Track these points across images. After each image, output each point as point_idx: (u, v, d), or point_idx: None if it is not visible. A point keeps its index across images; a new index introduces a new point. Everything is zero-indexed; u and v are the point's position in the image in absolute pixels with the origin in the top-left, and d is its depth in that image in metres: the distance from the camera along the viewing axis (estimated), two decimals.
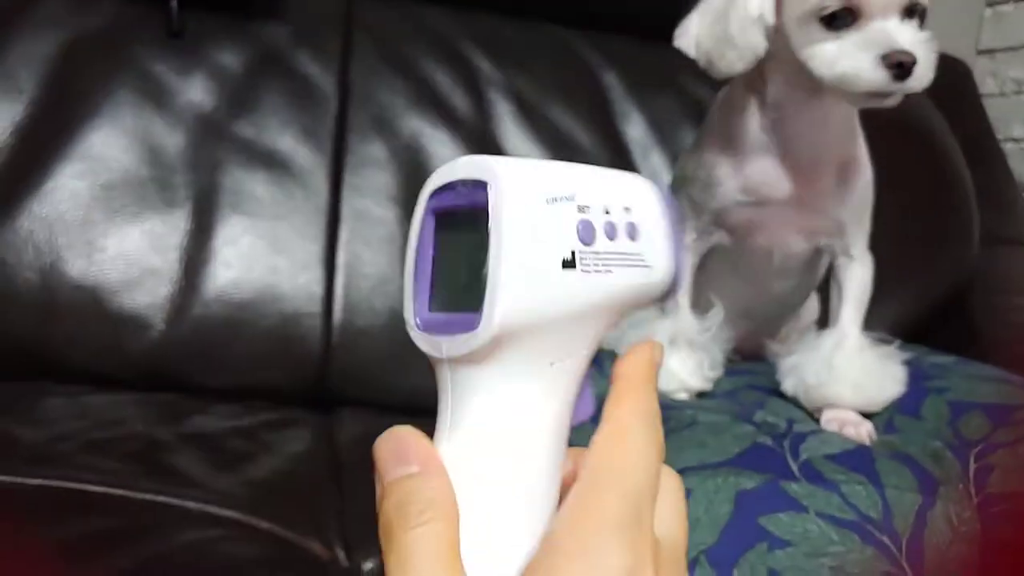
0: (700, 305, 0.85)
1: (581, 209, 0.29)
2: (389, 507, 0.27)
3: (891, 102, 0.70)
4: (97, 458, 0.72)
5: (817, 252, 0.84)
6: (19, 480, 0.66)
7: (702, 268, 0.85)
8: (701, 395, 0.82)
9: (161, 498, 0.67)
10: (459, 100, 1.06)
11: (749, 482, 0.64)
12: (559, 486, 0.30)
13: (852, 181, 0.81)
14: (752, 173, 0.80)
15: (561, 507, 0.28)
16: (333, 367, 0.95)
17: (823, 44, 0.70)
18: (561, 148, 1.07)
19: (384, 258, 0.98)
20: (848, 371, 0.78)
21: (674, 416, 0.72)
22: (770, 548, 0.60)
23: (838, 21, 0.69)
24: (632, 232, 0.31)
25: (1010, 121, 1.51)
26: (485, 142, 1.05)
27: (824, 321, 0.87)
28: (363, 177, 1.00)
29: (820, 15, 0.69)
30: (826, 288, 0.86)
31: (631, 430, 0.29)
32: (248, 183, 0.96)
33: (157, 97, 0.96)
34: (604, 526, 0.27)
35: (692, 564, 0.59)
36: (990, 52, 1.56)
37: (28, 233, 0.89)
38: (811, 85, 0.74)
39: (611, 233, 0.30)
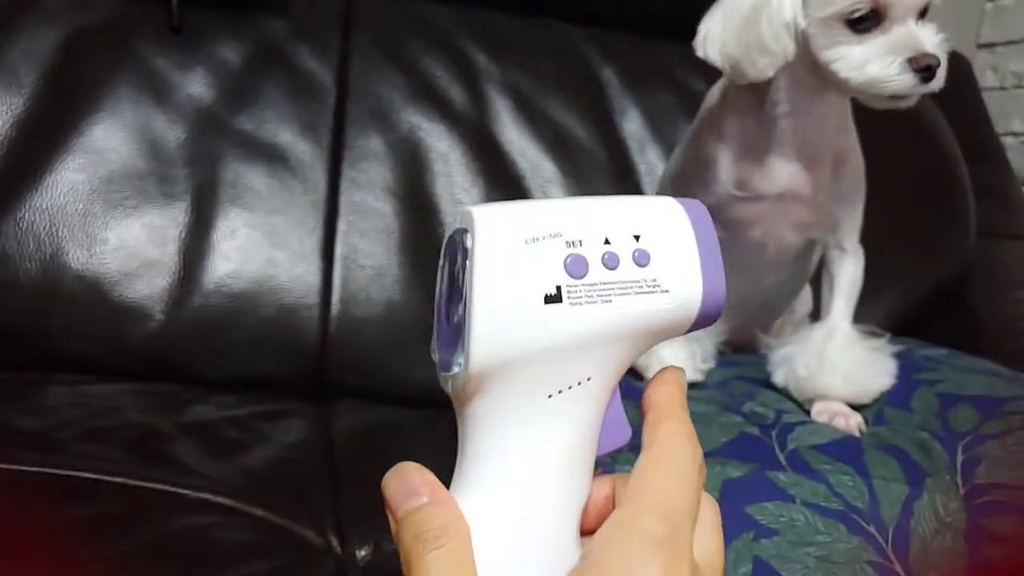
0: None
1: (570, 244, 0.30)
2: (407, 538, 0.29)
3: (909, 103, 0.70)
4: (96, 446, 0.72)
5: (810, 245, 0.85)
6: (19, 467, 0.66)
7: None
8: (692, 386, 0.83)
9: (158, 485, 0.68)
10: (457, 94, 1.07)
11: (736, 471, 0.64)
12: (580, 510, 0.31)
13: (846, 174, 0.81)
14: (747, 168, 0.79)
15: (602, 527, 0.29)
16: (330, 357, 0.96)
17: (848, 47, 0.69)
18: (558, 143, 1.08)
19: (381, 250, 0.99)
20: (839, 363, 0.78)
21: None
22: (756, 537, 0.60)
23: (864, 23, 0.68)
24: (642, 259, 0.31)
25: (1010, 115, 1.51)
26: (483, 137, 1.06)
27: (816, 314, 0.88)
28: (361, 170, 1.01)
29: (848, 17, 0.68)
30: (818, 281, 0.86)
31: (672, 455, 0.30)
32: (247, 176, 0.97)
33: (157, 91, 0.97)
34: (646, 546, 0.28)
35: None
36: (990, 46, 1.55)
37: (29, 225, 0.90)
38: (817, 84, 0.73)
39: (611, 263, 0.31)
